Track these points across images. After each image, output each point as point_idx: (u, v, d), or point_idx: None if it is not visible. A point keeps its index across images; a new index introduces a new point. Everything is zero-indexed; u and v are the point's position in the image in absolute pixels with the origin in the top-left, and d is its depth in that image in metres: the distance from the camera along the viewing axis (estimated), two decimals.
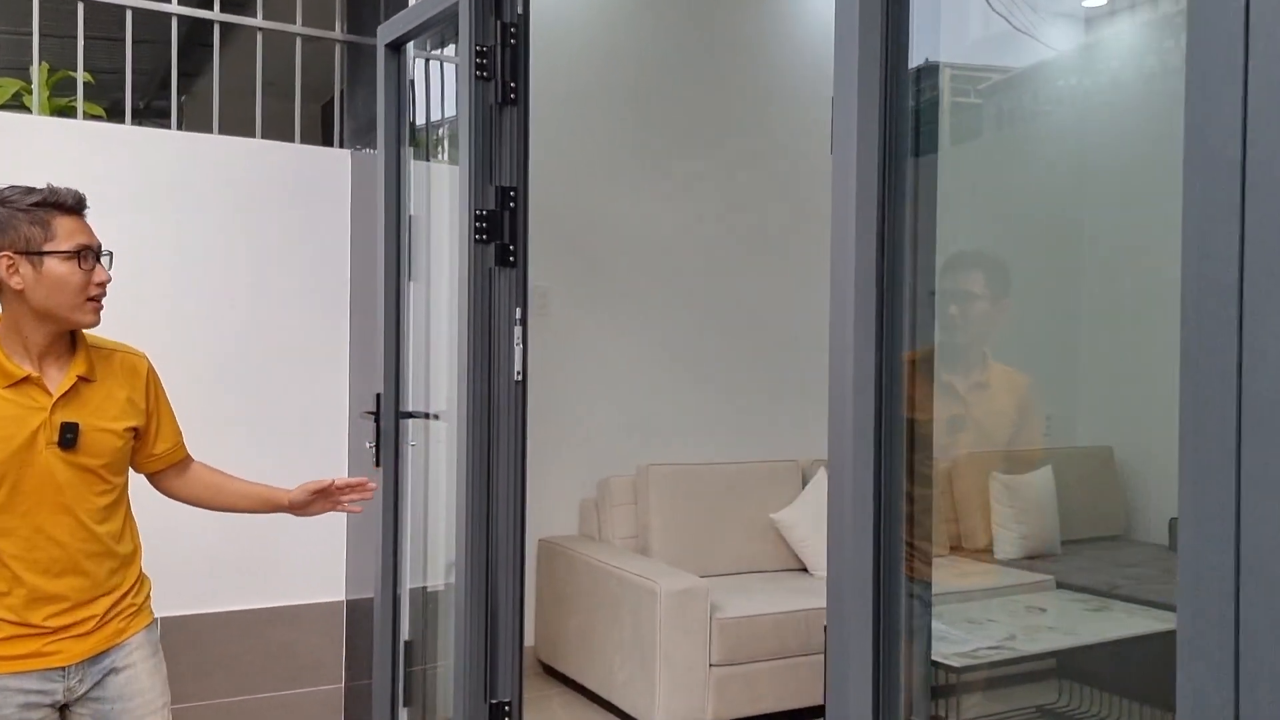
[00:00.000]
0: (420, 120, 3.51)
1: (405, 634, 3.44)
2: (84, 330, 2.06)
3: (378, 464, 3.34)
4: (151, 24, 4.25)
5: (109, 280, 2.02)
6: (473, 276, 2.83)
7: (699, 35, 4.70)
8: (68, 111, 4.19)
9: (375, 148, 4.24)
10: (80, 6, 3.72)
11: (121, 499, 2.14)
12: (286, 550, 3.95)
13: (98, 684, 2.06)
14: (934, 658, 3.21)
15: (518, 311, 2.86)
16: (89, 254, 1.98)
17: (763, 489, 4.46)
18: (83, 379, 2.03)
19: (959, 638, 3.32)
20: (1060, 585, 4.43)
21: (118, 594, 2.10)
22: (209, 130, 3.92)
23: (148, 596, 2.22)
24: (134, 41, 3.86)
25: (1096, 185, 4.55)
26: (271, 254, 3.89)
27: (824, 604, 3.90)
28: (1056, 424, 5.75)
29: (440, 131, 3.53)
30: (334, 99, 4.22)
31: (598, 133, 4.41)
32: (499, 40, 2.84)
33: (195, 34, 5.51)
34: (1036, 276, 5.37)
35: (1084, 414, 5.76)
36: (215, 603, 3.84)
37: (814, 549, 4.31)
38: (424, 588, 3.54)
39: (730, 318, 4.73)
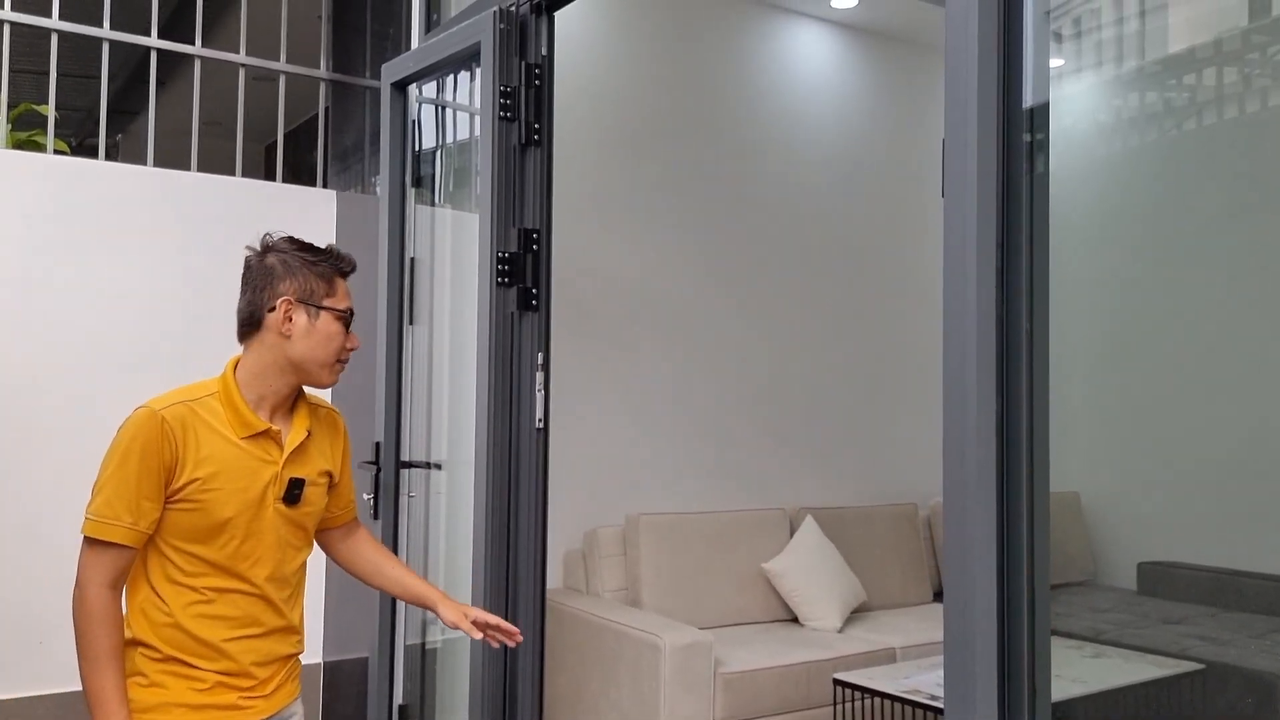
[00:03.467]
0: (423, 164, 3.42)
1: (400, 697, 3.28)
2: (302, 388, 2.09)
3: (376, 515, 3.20)
4: (88, 57, 4.09)
5: (358, 348, 2.06)
6: (494, 320, 2.75)
7: (686, 86, 4.71)
8: (28, 146, 3.99)
9: (363, 188, 4.13)
10: (54, 38, 3.56)
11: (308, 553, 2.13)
12: None
13: None
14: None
15: (539, 356, 2.78)
16: (351, 320, 2.04)
17: (752, 538, 4.40)
18: (309, 434, 2.04)
19: None
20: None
21: (295, 652, 2.07)
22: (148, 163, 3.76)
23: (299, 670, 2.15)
24: (73, 75, 3.70)
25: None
26: None
27: (823, 655, 3.85)
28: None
29: (444, 173, 3.44)
30: (276, 141, 4.09)
31: (586, 179, 4.37)
32: (523, 81, 2.78)
33: (137, 71, 5.35)
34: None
35: (1056, 457, 5.84)
36: None
37: (806, 599, 4.26)
38: (421, 644, 3.39)
39: (716, 365, 4.70)
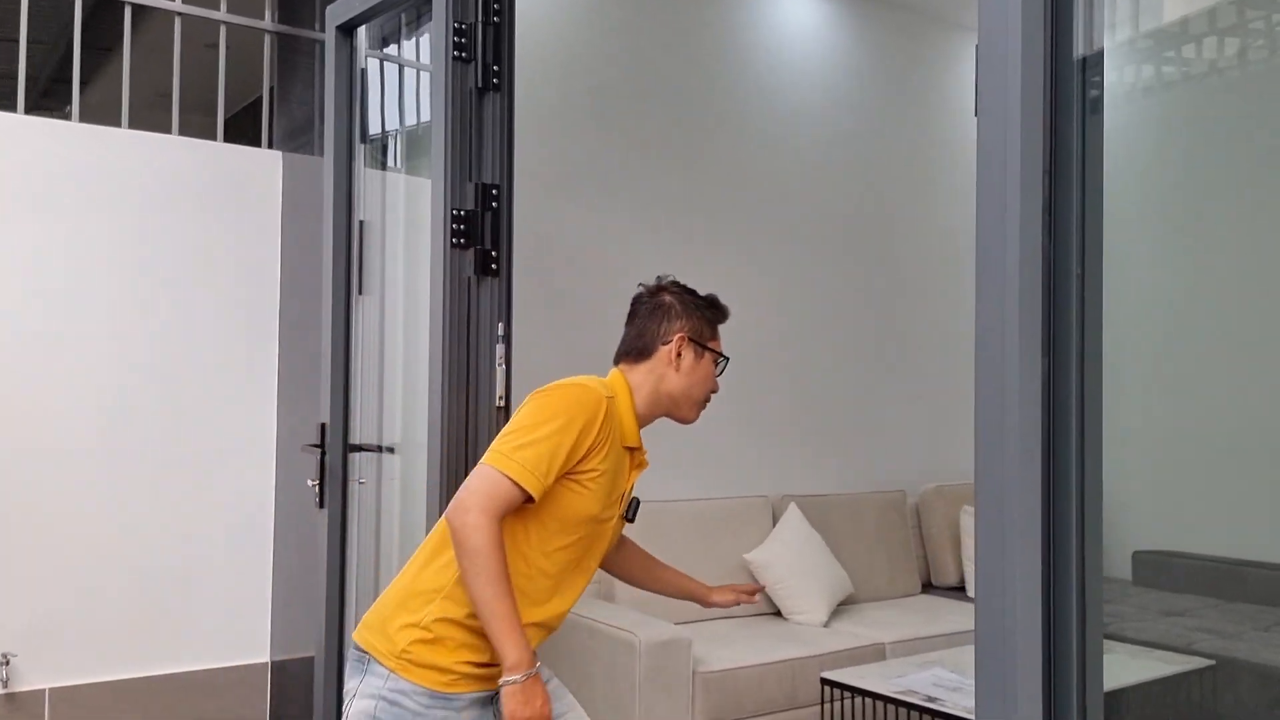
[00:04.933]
0: (374, 127, 3.12)
1: None
2: None
3: (321, 504, 2.91)
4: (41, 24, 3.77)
5: (718, 391, 2.15)
6: (448, 285, 2.46)
7: (661, 48, 4.42)
8: None
9: (312, 150, 3.82)
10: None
11: None
12: (200, 606, 3.46)
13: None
14: (954, 712, 2.92)
15: (500, 327, 2.49)
16: (725, 366, 2.16)
17: (733, 527, 4.14)
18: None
19: (972, 687, 3.03)
20: None
21: None
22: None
23: None
24: (28, 42, 3.38)
25: None
26: (187, 264, 3.43)
27: (808, 652, 3.59)
28: None
29: (399, 137, 3.15)
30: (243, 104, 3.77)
31: (554, 143, 4.08)
32: (479, 17, 2.49)
33: (89, 34, 4.99)
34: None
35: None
36: (114, 669, 3.32)
37: (790, 591, 4.00)
38: None
39: None
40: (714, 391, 2.14)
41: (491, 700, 1.94)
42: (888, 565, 4.53)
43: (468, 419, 2.46)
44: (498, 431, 2.50)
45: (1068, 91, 1.23)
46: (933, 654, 3.53)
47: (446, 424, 2.42)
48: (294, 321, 3.58)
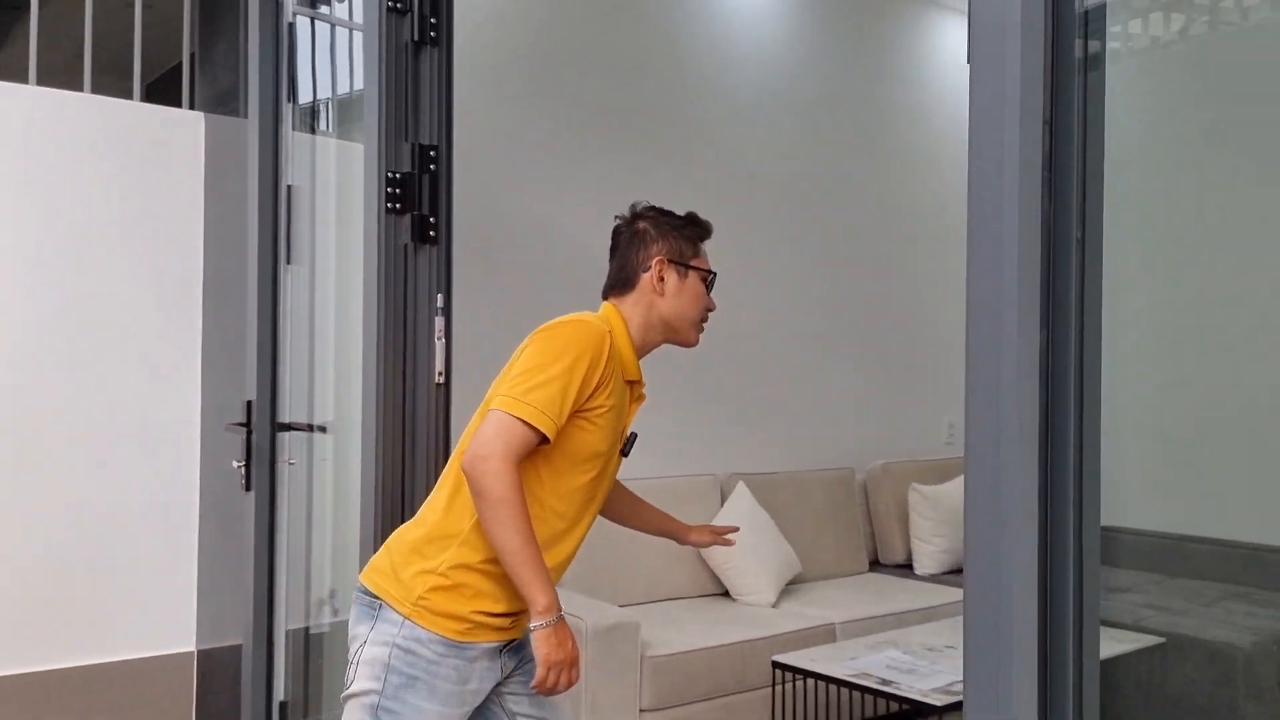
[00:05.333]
0: (305, 89, 2.94)
1: (281, 692, 2.84)
2: None
3: (248, 487, 2.74)
4: None
5: (715, 309, 2.12)
6: (383, 254, 2.30)
7: (609, 5, 4.26)
8: None
9: (238, 114, 3.60)
10: None
11: None
12: (120, 594, 3.26)
13: (514, 672, 1.98)
14: (910, 695, 2.85)
15: (439, 298, 2.34)
16: (713, 281, 2.11)
17: (680, 507, 4.02)
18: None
19: (926, 669, 2.98)
20: None
21: None
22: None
23: None
24: None
25: None
26: (102, 230, 3.21)
27: (758, 634, 3.51)
28: (961, 431, 5.58)
29: (330, 99, 2.96)
30: (180, 67, 3.54)
31: (504, 103, 3.90)
32: None
33: None
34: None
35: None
36: (28, 660, 3.12)
37: (738, 571, 3.92)
38: (305, 629, 2.95)
39: None
40: (710, 309, 2.10)
41: (499, 652, 1.92)
42: (835, 544, 4.47)
43: (405, 396, 2.31)
44: (437, 409, 2.36)
45: (1068, 43, 1.12)
46: (883, 634, 3.47)
47: (383, 402, 2.27)
48: (219, 292, 3.37)
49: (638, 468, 4.48)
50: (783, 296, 4.75)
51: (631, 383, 2.03)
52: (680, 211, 2.13)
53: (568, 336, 1.90)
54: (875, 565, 4.70)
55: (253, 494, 2.73)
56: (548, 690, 1.81)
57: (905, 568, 4.67)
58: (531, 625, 1.78)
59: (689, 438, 4.37)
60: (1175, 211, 1.27)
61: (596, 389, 1.89)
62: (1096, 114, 1.13)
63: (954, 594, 4.15)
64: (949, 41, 5.53)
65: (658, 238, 2.06)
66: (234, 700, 3.35)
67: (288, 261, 2.84)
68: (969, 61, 1.15)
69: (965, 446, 1.14)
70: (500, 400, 1.84)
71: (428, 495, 2.32)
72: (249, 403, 2.76)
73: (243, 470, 2.74)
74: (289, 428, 2.81)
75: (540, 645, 1.78)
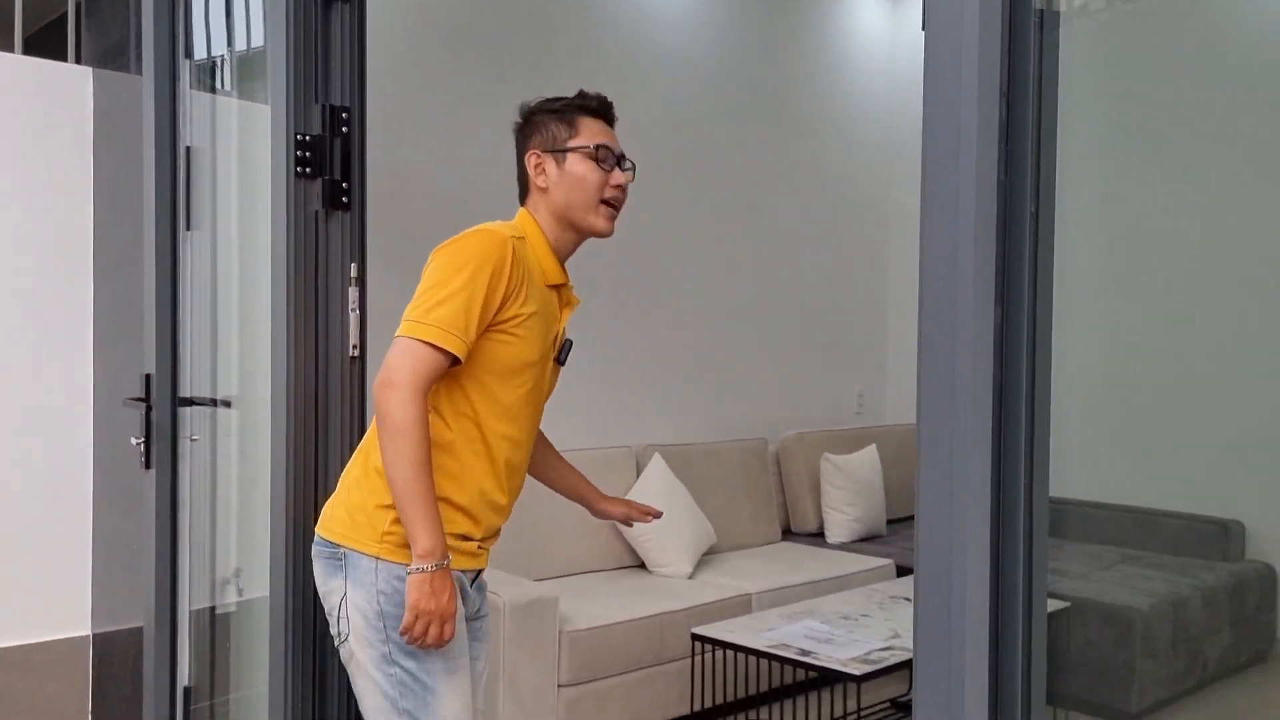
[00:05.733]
0: (202, 45, 2.77)
1: (186, 676, 2.72)
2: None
3: (148, 464, 2.60)
4: None
5: (625, 184, 1.96)
6: (293, 221, 2.18)
7: None
8: None
9: (128, 69, 3.40)
10: None
11: None
12: (8, 574, 3.08)
13: (478, 609, 1.98)
14: (829, 665, 2.87)
15: (353, 268, 2.24)
16: (609, 155, 1.95)
17: (596, 479, 3.96)
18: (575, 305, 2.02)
19: (844, 638, 3.00)
20: (901, 570, 4.27)
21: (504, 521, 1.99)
22: None
23: None
24: None
25: None
26: None
27: (676, 605, 3.50)
28: (869, 401, 5.66)
29: (230, 56, 2.80)
30: (65, 18, 3.32)
31: (417, 64, 3.76)
32: None
33: None
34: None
35: (894, 390, 5.72)
36: None
37: (655, 544, 3.90)
38: (211, 609, 2.83)
39: None
40: (617, 186, 1.94)
41: (471, 584, 1.91)
42: (749, 514, 4.50)
43: (318, 370, 2.21)
44: (351, 384, 2.26)
45: (1025, 11, 1.10)
46: (799, 604, 3.50)
47: (294, 376, 2.17)
48: (112, 259, 3.19)
49: (555, 440, 4.42)
50: (696, 268, 4.73)
51: (557, 287, 1.95)
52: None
53: (466, 248, 1.81)
54: (788, 534, 4.75)
55: (153, 472, 2.59)
56: (413, 639, 1.72)
57: (817, 536, 4.73)
58: (410, 568, 1.71)
59: (604, 409, 4.33)
60: (1126, 181, 1.27)
61: (506, 300, 1.81)
62: (1050, 84, 1.11)
63: (865, 562, 4.22)
64: (866, 12, 5.55)
65: (532, 132, 1.98)
66: (134, 686, 3.21)
67: (187, 227, 2.69)
68: (924, 29, 1.11)
69: (918, 424, 1.12)
70: (403, 325, 1.78)
71: (342, 472, 2.24)
72: (148, 376, 2.61)
73: (142, 447, 2.60)
74: (191, 402, 2.67)
75: (412, 590, 1.70)
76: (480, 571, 1.96)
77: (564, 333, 1.98)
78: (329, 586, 1.84)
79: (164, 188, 2.64)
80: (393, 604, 1.78)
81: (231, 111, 2.83)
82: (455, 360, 1.77)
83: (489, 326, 1.81)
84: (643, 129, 4.49)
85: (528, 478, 2.07)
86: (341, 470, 2.22)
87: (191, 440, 2.69)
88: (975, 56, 1.05)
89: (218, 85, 2.83)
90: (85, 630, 3.23)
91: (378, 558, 1.79)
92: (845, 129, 5.41)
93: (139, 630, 3.09)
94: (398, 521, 1.76)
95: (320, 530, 1.89)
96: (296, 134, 2.18)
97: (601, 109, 2.00)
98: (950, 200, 1.07)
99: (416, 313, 1.77)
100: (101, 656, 3.25)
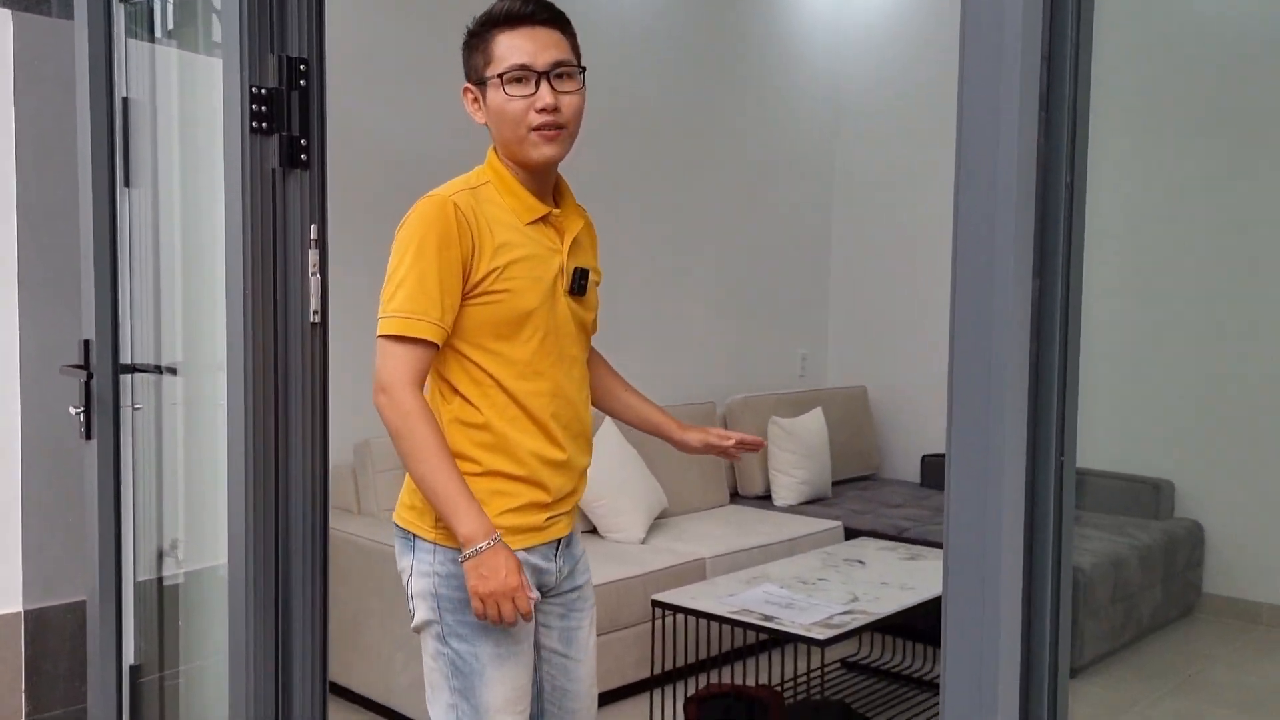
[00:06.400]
0: None
1: (131, 655, 2.62)
2: (563, 177, 1.92)
3: (89, 435, 2.48)
4: None
5: (554, 105, 1.75)
6: (248, 179, 2.07)
7: None
8: None
9: (51, 12, 3.19)
10: None
11: None
12: None
13: (569, 575, 1.90)
14: (794, 630, 2.88)
15: (313, 229, 2.14)
16: (528, 76, 1.75)
17: None
18: (584, 224, 1.92)
19: (804, 603, 3.02)
20: (848, 532, 4.31)
21: (586, 465, 1.91)
22: None
23: None
24: None
25: None
26: None
27: (631, 572, 3.48)
28: (812, 364, 5.69)
29: (165, 4, 2.64)
30: None
31: (378, 13, 3.61)
32: None
33: None
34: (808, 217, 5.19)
35: (836, 353, 5.75)
36: None
37: (608, 509, 3.87)
38: (158, 580, 2.73)
39: None
40: (546, 110, 1.74)
41: (553, 555, 1.85)
42: (699, 477, 4.49)
43: (277, 336, 2.11)
44: (313, 352, 2.17)
45: None
46: (755, 569, 3.51)
47: (252, 343, 2.07)
48: (39, 218, 3.01)
49: None
50: (640, 233, 4.68)
51: (544, 217, 1.81)
52: None
53: (406, 226, 1.76)
54: (735, 497, 4.76)
55: (94, 442, 2.46)
56: (492, 621, 1.69)
57: (764, 499, 4.75)
58: (459, 558, 1.69)
59: None
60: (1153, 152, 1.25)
61: (467, 261, 1.72)
62: (1086, 45, 1.08)
63: (814, 524, 4.25)
64: None
65: (463, 66, 1.87)
66: (71, 664, 3.08)
67: (126, 184, 2.55)
68: None
69: (950, 398, 1.09)
70: (378, 326, 1.74)
71: (303, 444, 2.16)
72: (86, 342, 2.48)
73: (82, 417, 2.47)
74: (133, 369, 2.55)
75: (469, 577, 1.67)
76: (561, 541, 1.87)
77: (566, 263, 1.83)
78: (400, 566, 1.87)
79: (100, 142, 2.49)
80: (448, 586, 1.76)
81: (171, 61, 2.67)
82: (433, 347, 1.72)
83: (467, 295, 1.73)
84: (590, 88, 4.39)
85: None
86: (303, 440, 2.15)
87: (134, 409, 2.56)
88: (1020, 19, 1.01)
89: (156, 34, 2.67)
90: (16, 607, 3.09)
91: (435, 543, 1.78)
92: (788, 92, 5.38)
93: (77, 606, 2.97)
94: None
95: (394, 516, 1.90)
96: (251, 86, 2.06)
97: (517, 14, 1.77)
98: (988, 169, 1.04)
99: (381, 311, 1.73)
100: (35, 634, 3.11)
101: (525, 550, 1.79)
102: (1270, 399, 4.41)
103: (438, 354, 1.76)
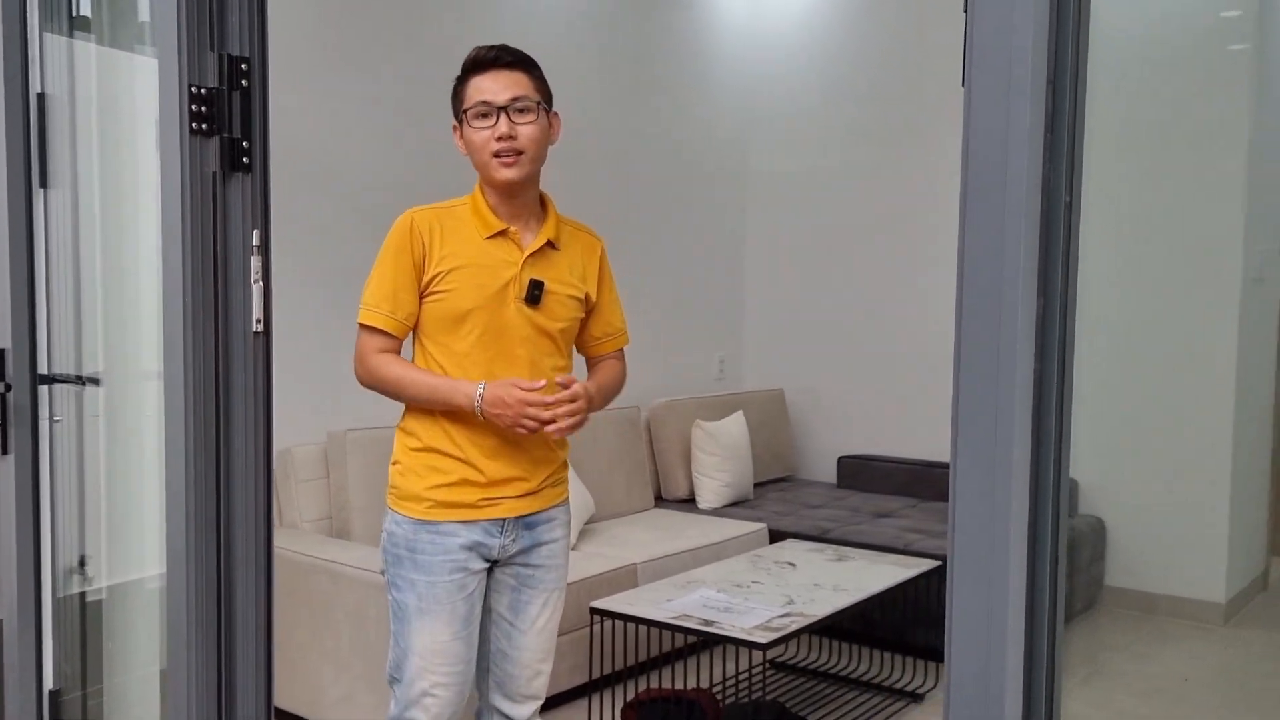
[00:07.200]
0: None
1: (51, 679, 2.48)
2: (552, 203, 2.24)
3: (5, 449, 2.34)
4: None
5: (508, 134, 2.06)
6: (188, 183, 1.99)
7: None
8: None
9: None
10: None
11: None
12: None
13: (525, 551, 2.16)
14: (735, 634, 2.90)
15: (256, 235, 2.07)
16: (490, 110, 2.07)
17: None
18: (550, 244, 2.16)
19: (742, 606, 3.04)
20: (774, 535, 4.36)
21: (554, 465, 2.20)
22: None
23: (567, 474, 2.30)
24: None
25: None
26: None
27: (570, 579, 3.46)
28: (730, 367, 5.74)
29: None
30: None
31: (322, 11, 3.49)
32: None
33: None
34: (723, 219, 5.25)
35: (752, 356, 5.82)
36: None
37: None
38: (80, 595, 2.60)
39: None
40: (500, 138, 2.07)
41: (499, 531, 2.11)
42: (625, 481, 4.49)
43: (218, 346, 2.03)
44: (256, 362, 2.09)
45: None
46: (686, 574, 3.52)
47: (192, 352, 1.98)
48: None
49: None
50: None
51: (501, 233, 2.11)
52: None
53: (386, 240, 2.14)
54: (660, 501, 4.78)
55: (11, 457, 2.33)
56: (531, 430, 2.03)
57: (688, 502, 4.78)
58: (477, 412, 2.04)
59: None
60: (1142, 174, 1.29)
61: (419, 264, 2.08)
62: (1083, 66, 1.12)
63: (739, 527, 4.29)
64: None
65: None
66: None
67: (43, 184, 2.42)
68: (966, 10, 1.09)
69: (954, 417, 1.11)
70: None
71: (245, 453, 2.09)
72: (1, 352, 2.34)
73: None
74: (52, 380, 2.42)
75: (490, 419, 2.04)
76: (510, 521, 2.13)
77: (522, 275, 2.11)
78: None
79: (15, 139, 2.35)
80: (391, 543, 2.14)
81: (90, 57, 2.55)
82: (390, 335, 2.11)
83: (422, 294, 2.10)
84: None
85: None
86: (245, 452, 2.07)
87: (54, 422, 2.43)
88: (1029, 42, 1.04)
89: (75, 27, 2.54)
90: None
91: (389, 508, 2.16)
92: (703, 98, 5.42)
93: None
94: (395, 476, 2.15)
95: None
96: (191, 86, 1.98)
97: (482, 60, 2.12)
98: (997, 191, 1.06)
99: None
100: None
101: (462, 523, 2.08)
102: (1166, 401, 4.63)
103: (414, 345, 2.16)
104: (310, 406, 3.68)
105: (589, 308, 2.25)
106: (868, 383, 5.27)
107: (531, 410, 2.00)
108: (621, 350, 2.39)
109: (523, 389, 2.01)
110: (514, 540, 2.14)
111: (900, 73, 5.20)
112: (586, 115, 4.73)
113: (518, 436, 2.08)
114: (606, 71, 4.82)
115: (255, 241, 2.06)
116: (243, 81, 2.03)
